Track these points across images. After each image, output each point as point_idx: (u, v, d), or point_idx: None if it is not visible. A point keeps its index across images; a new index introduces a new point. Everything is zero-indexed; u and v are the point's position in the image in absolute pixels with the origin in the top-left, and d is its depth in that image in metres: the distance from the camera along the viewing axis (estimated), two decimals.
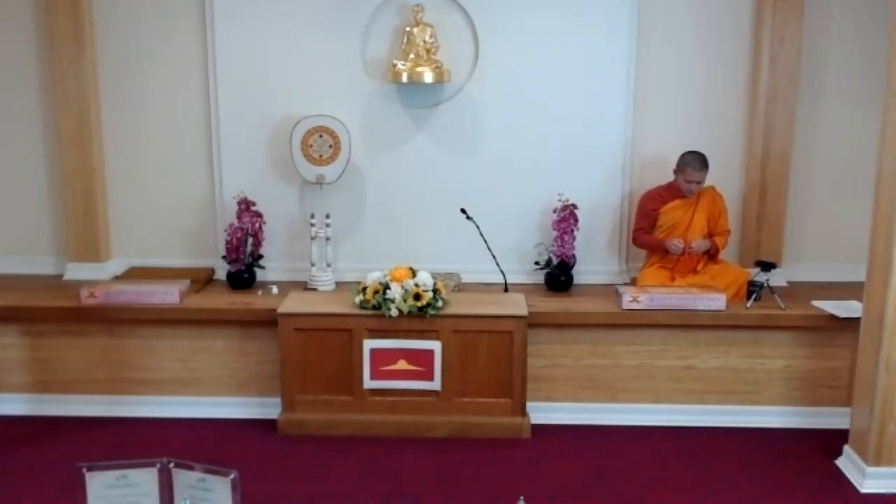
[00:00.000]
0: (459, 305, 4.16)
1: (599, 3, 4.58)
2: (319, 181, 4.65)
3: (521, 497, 2.66)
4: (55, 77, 4.69)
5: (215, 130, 4.78)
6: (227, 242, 4.65)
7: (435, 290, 4.08)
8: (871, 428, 3.63)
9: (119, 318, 4.27)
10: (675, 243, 4.43)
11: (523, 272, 4.77)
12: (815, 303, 4.31)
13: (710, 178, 4.53)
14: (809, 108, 4.76)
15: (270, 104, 4.73)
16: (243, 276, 4.66)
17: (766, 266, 4.37)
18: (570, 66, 4.65)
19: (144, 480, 2.66)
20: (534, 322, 4.15)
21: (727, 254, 4.69)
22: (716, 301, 4.19)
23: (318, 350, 4.13)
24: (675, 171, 4.49)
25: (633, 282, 4.70)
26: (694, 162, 4.40)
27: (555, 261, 4.65)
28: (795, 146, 4.75)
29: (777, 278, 4.58)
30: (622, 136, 4.72)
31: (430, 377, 4.12)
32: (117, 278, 4.80)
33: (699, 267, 4.52)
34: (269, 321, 4.19)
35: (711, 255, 4.54)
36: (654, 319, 4.20)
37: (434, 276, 4.21)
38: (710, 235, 4.52)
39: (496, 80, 4.68)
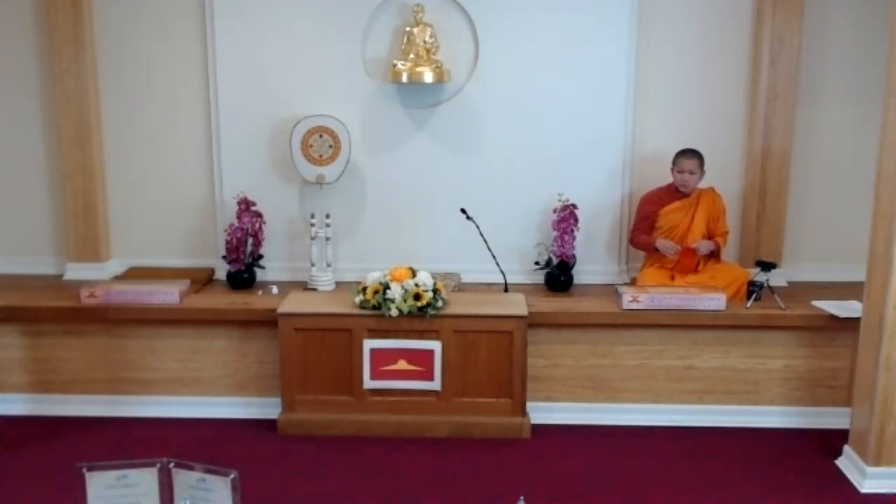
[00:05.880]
0: (459, 305, 4.16)
1: (599, 3, 4.58)
2: (319, 181, 4.65)
3: (521, 497, 2.66)
4: (55, 77, 4.69)
5: (215, 130, 4.78)
6: (227, 242, 4.65)
7: (435, 290, 4.08)
8: (871, 428, 3.63)
9: (119, 318, 4.27)
10: (670, 245, 4.43)
11: (523, 272, 4.77)
12: (815, 303, 4.31)
13: (710, 179, 4.54)
14: (809, 108, 4.76)
15: (270, 104, 4.73)
16: (243, 276, 4.66)
17: (766, 266, 4.37)
18: (570, 66, 4.65)
19: (144, 480, 2.66)
20: (534, 322, 4.16)
21: (727, 254, 4.69)
22: (716, 301, 4.18)
23: (318, 350, 4.13)
24: (671, 171, 4.52)
25: (633, 282, 4.70)
26: (684, 152, 4.46)
27: (555, 261, 4.65)
28: (795, 146, 4.75)
29: (777, 278, 4.58)
30: (622, 135, 4.72)
31: (430, 377, 4.12)
32: (117, 278, 4.80)
33: (699, 267, 4.52)
34: (269, 321, 4.19)
35: (715, 255, 4.55)
36: (654, 319, 4.20)
37: (434, 276, 4.21)
38: (709, 237, 4.53)
39: (496, 80, 4.68)
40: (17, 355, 4.37)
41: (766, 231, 4.79)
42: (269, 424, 4.23)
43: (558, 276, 4.64)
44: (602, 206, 4.79)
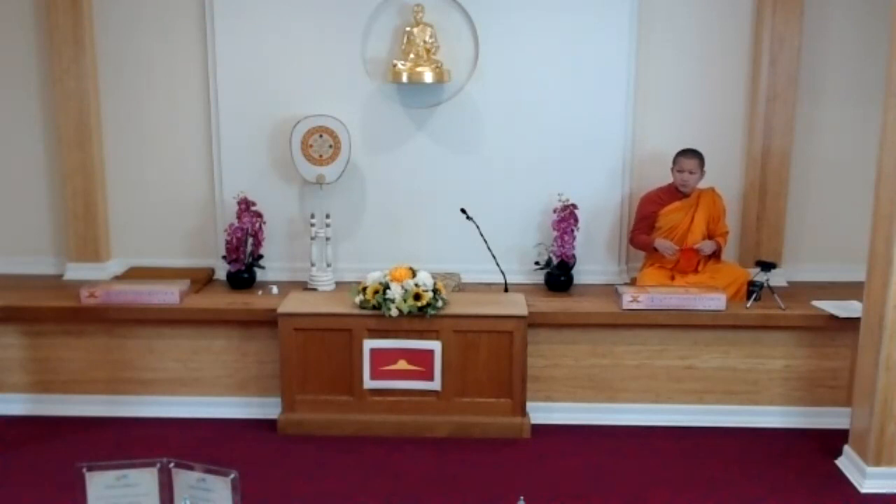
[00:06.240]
0: (459, 305, 4.16)
1: (599, 3, 4.58)
2: (319, 181, 4.65)
3: (521, 497, 2.66)
4: (55, 77, 4.69)
5: (215, 130, 4.78)
6: (227, 242, 4.65)
7: (435, 290, 4.07)
8: (871, 428, 3.63)
9: (119, 318, 4.27)
10: (668, 245, 4.43)
11: (523, 272, 4.77)
12: (815, 303, 4.31)
13: (710, 179, 4.54)
14: (809, 108, 4.76)
15: (270, 104, 4.73)
16: (243, 276, 4.66)
17: (766, 266, 4.37)
18: (570, 66, 4.65)
19: (144, 480, 2.66)
20: (534, 322, 4.16)
21: (727, 254, 4.69)
22: (716, 301, 4.18)
23: (318, 350, 4.13)
24: (671, 170, 4.52)
25: (633, 282, 4.70)
26: (684, 151, 4.46)
27: (555, 261, 4.65)
28: (795, 146, 4.75)
29: (777, 278, 4.58)
30: (622, 135, 4.72)
31: (430, 377, 4.12)
32: (117, 278, 4.80)
33: (699, 267, 4.52)
34: (269, 321, 4.19)
35: (717, 255, 4.55)
36: (654, 319, 4.20)
37: (434, 276, 4.21)
38: (709, 237, 4.52)
39: (496, 80, 4.68)
40: (17, 355, 4.37)
41: (766, 231, 4.79)
42: (269, 424, 4.23)
43: (558, 276, 4.64)
44: (602, 206, 4.79)
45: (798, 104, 4.69)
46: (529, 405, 4.21)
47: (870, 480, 3.65)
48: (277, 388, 4.23)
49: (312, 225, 4.65)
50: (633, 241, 4.64)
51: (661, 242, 4.46)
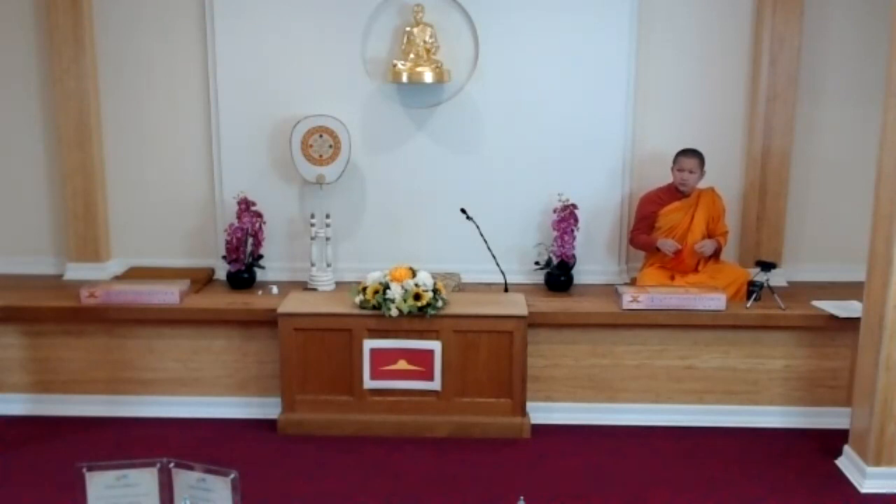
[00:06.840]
0: (459, 305, 4.16)
1: (599, 3, 4.58)
2: (319, 181, 4.66)
3: (521, 497, 2.66)
4: (55, 77, 4.69)
5: (215, 130, 4.78)
6: (227, 242, 4.65)
7: (435, 290, 4.07)
8: (871, 428, 3.63)
9: (119, 318, 4.27)
10: (669, 243, 4.44)
11: (523, 272, 4.77)
12: (815, 303, 4.31)
13: (710, 179, 4.54)
14: (809, 108, 4.76)
15: (270, 104, 4.73)
16: (243, 276, 4.66)
17: (766, 266, 4.37)
18: (570, 66, 4.65)
19: (144, 480, 2.66)
20: (534, 322, 4.16)
21: (727, 254, 4.69)
22: (716, 301, 4.18)
23: (318, 350, 4.13)
24: (671, 170, 4.52)
25: (633, 282, 4.70)
26: (684, 151, 4.47)
27: (555, 261, 4.65)
28: (795, 146, 4.75)
29: (777, 278, 4.58)
30: (622, 135, 4.72)
31: (430, 377, 4.12)
32: (117, 278, 4.80)
33: (699, 267, 4.52)
34: (269, 321, 4.19)
35: (716, 255, 4.55)
36: (654, 319, 4.20)
37: (434, 276, 4.21)
38: (708, 237, 4.52)
39: (496, 80, 4.68)
40: (17, 355, 4.37)
41: (766, 231, 4.79)
42: (269, 424, 4.23)
43: (558, 276, 4.64)
44: (602, 206, 4.79)
45: (798, 104, 4.70)
46: (529, 405, 4.21)
47: (870, 480, 3.65)
48: (277, 388, 4.23)
49: (312, 225, 4.65)
50: (634, 242, 4.64)
51: (663, 242, 4.46)
